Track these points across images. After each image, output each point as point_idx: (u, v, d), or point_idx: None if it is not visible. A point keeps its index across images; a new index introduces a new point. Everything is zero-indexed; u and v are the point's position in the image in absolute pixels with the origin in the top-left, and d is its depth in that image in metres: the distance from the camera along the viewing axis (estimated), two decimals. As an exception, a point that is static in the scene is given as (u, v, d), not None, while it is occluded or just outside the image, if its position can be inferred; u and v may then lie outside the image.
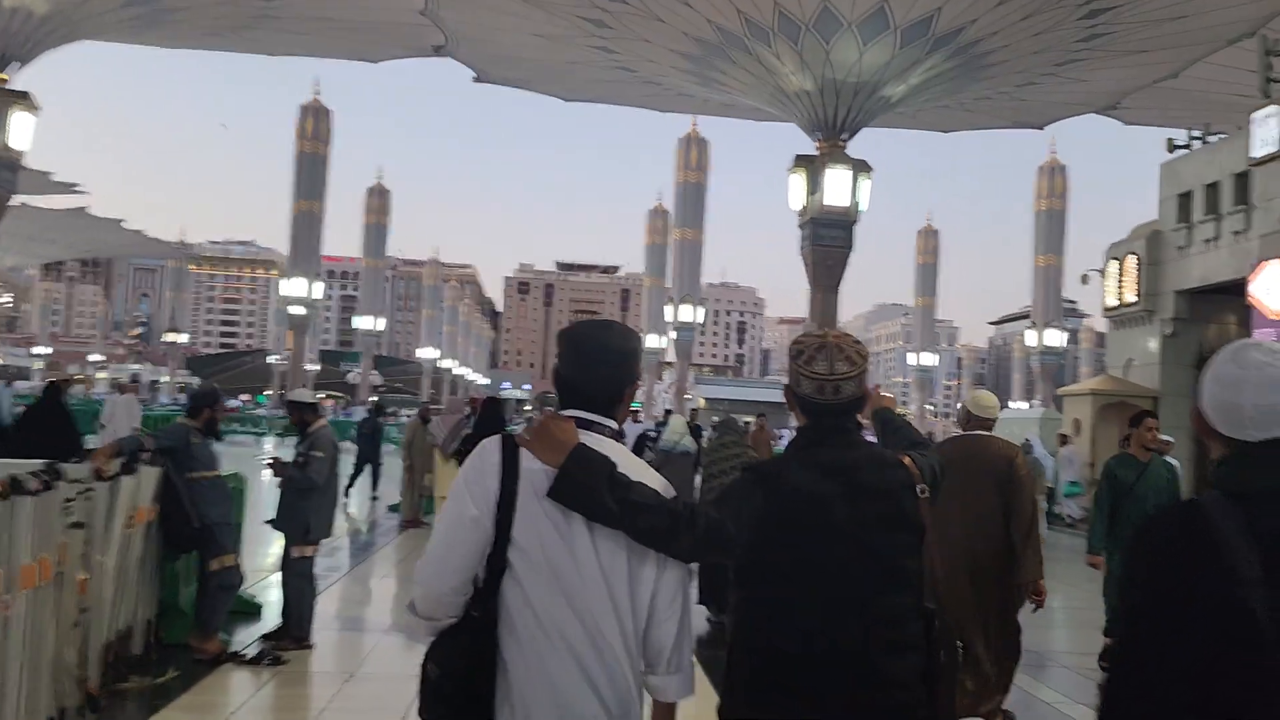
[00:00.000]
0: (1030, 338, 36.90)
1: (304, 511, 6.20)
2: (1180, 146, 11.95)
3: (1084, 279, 14.41)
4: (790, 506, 2.11)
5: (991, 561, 4.66)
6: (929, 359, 51.35)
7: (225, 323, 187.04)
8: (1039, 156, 36.85)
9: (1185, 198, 12.52)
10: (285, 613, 6.24)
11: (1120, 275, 13.28)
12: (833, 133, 16.92)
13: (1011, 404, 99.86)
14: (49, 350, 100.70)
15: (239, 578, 6.02)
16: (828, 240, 16.72)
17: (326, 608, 7.36)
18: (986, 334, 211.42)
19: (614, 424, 2.11)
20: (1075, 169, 37.04)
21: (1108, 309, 13.76)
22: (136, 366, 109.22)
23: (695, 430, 9.50)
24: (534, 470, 1.97)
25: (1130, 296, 13.02)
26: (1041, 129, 23.08)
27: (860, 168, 16.70)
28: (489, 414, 10.19)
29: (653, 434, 15.97)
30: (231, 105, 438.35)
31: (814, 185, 16.70)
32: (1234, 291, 11.58)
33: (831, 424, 2.22)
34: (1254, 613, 1.37)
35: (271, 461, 6.28)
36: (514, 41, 19.04)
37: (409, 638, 2.24)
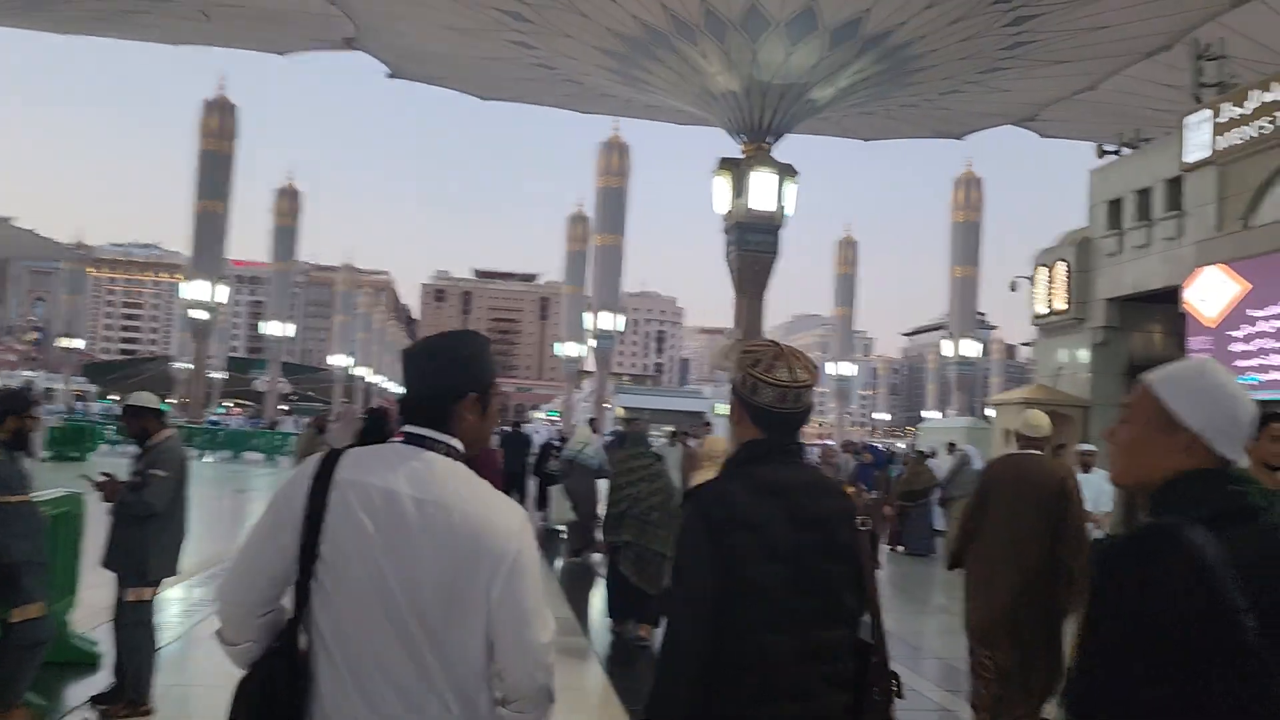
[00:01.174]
0: (946, 348, 37.32)
1: (140, 545, 5.01)
2: (1110, 152, 11.85)
3: (1012, 286, 14.30)
4: (733, 528, 2.03)
5: (1035, 579, 4.70)
6: (847, 369, 51.72)
7: (126, 328, 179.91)
8: (952, 167, 37.53)
9: (1115, 204, 12.40)
10: (119, 670, 5.11)
11: (1049, 283, 13.12)
12: (758, 135, 16.54)
13: (925, 414, 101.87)
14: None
15: (48, 632, 4.76)
16: (753, 245, 16.32)
17: (183, 656, 6.38)
18: (900, 344, 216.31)
19: (452, 441, 1.90)
20: (991, 181, 37.72)
21: (1037, 317, 13.61)
22: (30, 373, 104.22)
23: (628, 439, 8.94)
24: (357, 482, 1.79)
25: (1060, 304, 12.86)
26: (961, 139, 23.16)
27: (786, 171, 16.34)
28: (373, 426, 9.14)
29: (556, 443, 16.07)
30: (134, 99, 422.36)
31: (739, 189, 16.27)
32: (1166, 299, 11.48)
33: (782, 438, 2.16)
34: (1250, 642, 1.35)
35: (101, 480, 5.06)
36: (427, 35, 18.25)
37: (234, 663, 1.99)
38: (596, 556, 11.51)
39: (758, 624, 2.01)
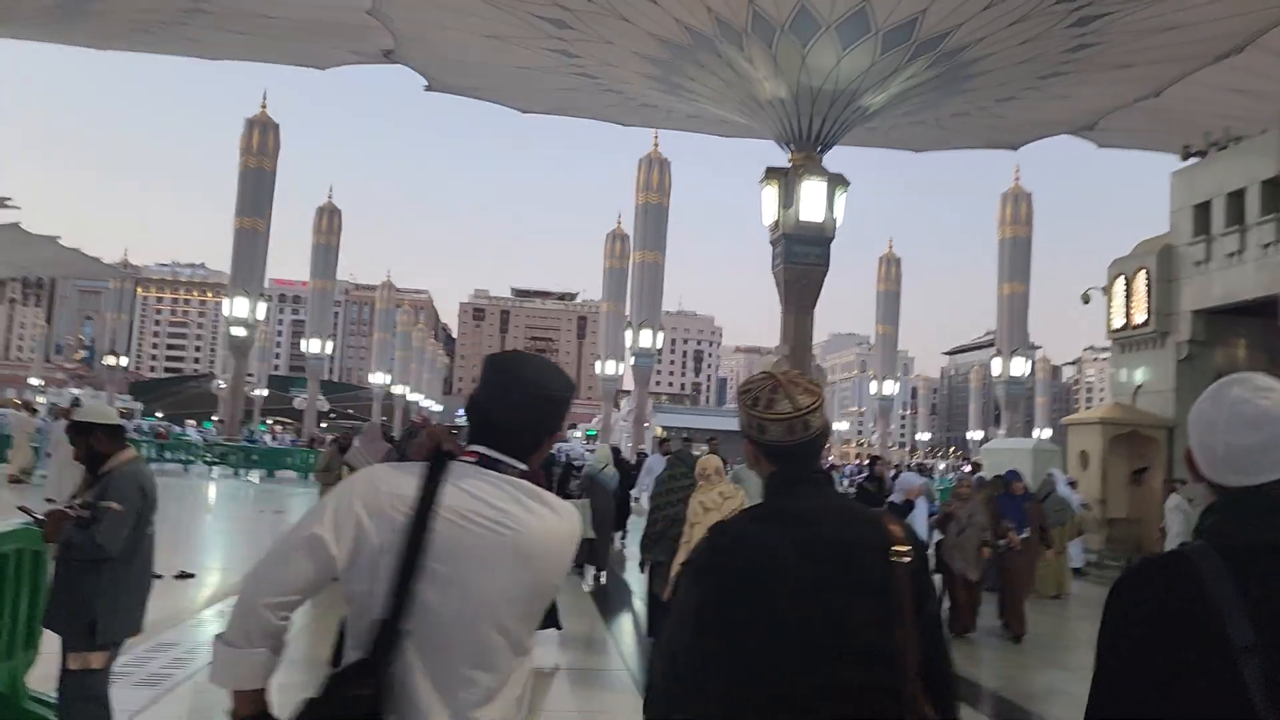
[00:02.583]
0: (995, 367, 36.27)
1: (89, 597, 4.05)
2: (1195, 154, 10.99)
3: (1085, 298, 13.46)
4: (751, 567, 1.95)
5: None
6: (890, 388, 50.65)
7: (172, 347, 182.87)
8: (992, 182, 36.61)
9: (1203, 209, 11.56)
10: None
11: (1128, 294, 12.26)
12: (807, 144, 15.91)
13: (969, 435, 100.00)
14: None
15: None
16: (802, 258, 15.65)
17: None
18: (939, 363, 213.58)
19: (523, 466, 1.95)
20: (1038, 195, 36.70)
21: (1114, 331, 12.74)
22: (77, 390, 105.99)
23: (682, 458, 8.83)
24: (460, 501, 1.81)
25: (1140, 317, 12.00)
26: (1016, 149, 22.38)
27: (836, 181, 15.68)
28: (429, 443, 8.67)
29: (576, 463, 16.78)
30: (182, 119, 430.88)
31: (787, 199, 15.64)
32: (1261, 311, 10.63)
33: (805, 470, 2.09)
34: (1246, 684, 1.33)
35: (46, 514, 4.17)
36: (466, 44, 17.88)
37: (214, 683, 1.82)
38: (591, 573, 11.77)
39: (767, 660, 1.91)
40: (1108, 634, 1.49)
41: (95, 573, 4.05)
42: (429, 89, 20.98)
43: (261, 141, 35.29)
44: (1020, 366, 35.67)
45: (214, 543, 15.60)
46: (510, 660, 1.82)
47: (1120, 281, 12.58)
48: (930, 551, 9.50)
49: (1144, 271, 12.00)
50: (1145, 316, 11.95)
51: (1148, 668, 1.39)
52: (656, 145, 37.67)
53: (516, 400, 1.92)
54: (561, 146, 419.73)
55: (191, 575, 10.08)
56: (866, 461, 13.91)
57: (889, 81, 15.25)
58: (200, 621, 8.51)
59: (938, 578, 7.21)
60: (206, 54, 21.87)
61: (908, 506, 9.98)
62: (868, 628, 1.93)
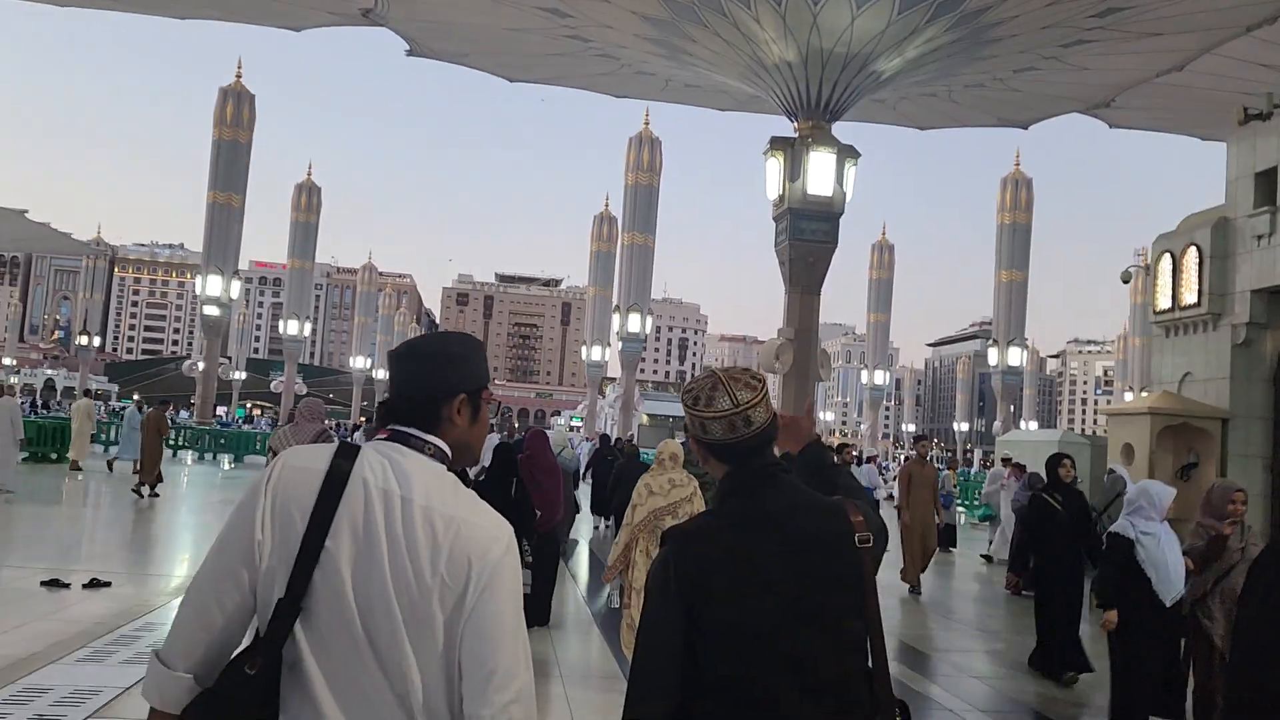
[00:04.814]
0: (992, 356, 35.45)
1: None
2: (1255, 116, 9.94)
3: (1125, 277, 12.51)
4: (717, 568, 1.93)
5: None
6: (881, 378, 49.85)
7: (150, 329, 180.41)
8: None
9: (1267, 176, 10.54)
10: None
11: (1176, 272, 11.24)
12: (815, 112, 14.88)
13: (956, 426, 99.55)
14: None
15: None
16: (809, 234, 14.65)
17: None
18: (924, 355, 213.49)
19: (438, 442, 1.82)
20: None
21: (1158, 312, 11.71)
22: (52, 371, 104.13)
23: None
24: (366, 481, 1.71)
25: (1189, 297, 10.97)
26: (1026, 128, 21.38)
27: (847, 152, 14.69)
28: (506, 459, 7.27)
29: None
30: (159, 92, 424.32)
31: (794, 171, 14.62)
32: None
33: (758, 466, 2.06)
34: None
35: None
36: (452, 2, 16.70)
37: (145, 698, 1.70)
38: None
39: (744, 659, 1.89)
40: (1249, 608, 1.74)
41: None
42: (411, 54, 19.78)
43: (236, 112, 33.98)
44: (1017, 356, 34.90)
45: (175, 533, 14.52)
46: (414, 656, 1.66)
47: (1166, 259, 11.55)
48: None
49: (1194, 248, 10.96)
50: (1195, 297, 10.95)
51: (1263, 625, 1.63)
52: (647, 124, 36.64)
53: (403, 369, 1.87)
54: (546, 129, 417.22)
55: (108, 584, 8.70)
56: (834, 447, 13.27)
57: (905, 45, 14.22)
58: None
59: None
60: (174, 12, 20.58)
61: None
62: (848, 617, 1.95)
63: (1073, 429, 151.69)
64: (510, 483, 7.11)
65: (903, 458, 57.29)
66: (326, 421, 9.10)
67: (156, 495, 17.12)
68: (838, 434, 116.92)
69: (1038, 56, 16.13)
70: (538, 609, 8.32)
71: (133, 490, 17.33)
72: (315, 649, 1.65)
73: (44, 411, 37.48)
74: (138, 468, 18.01)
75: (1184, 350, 11.03)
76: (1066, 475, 8.25)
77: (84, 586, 8.51)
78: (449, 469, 1.82)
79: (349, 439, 3.18)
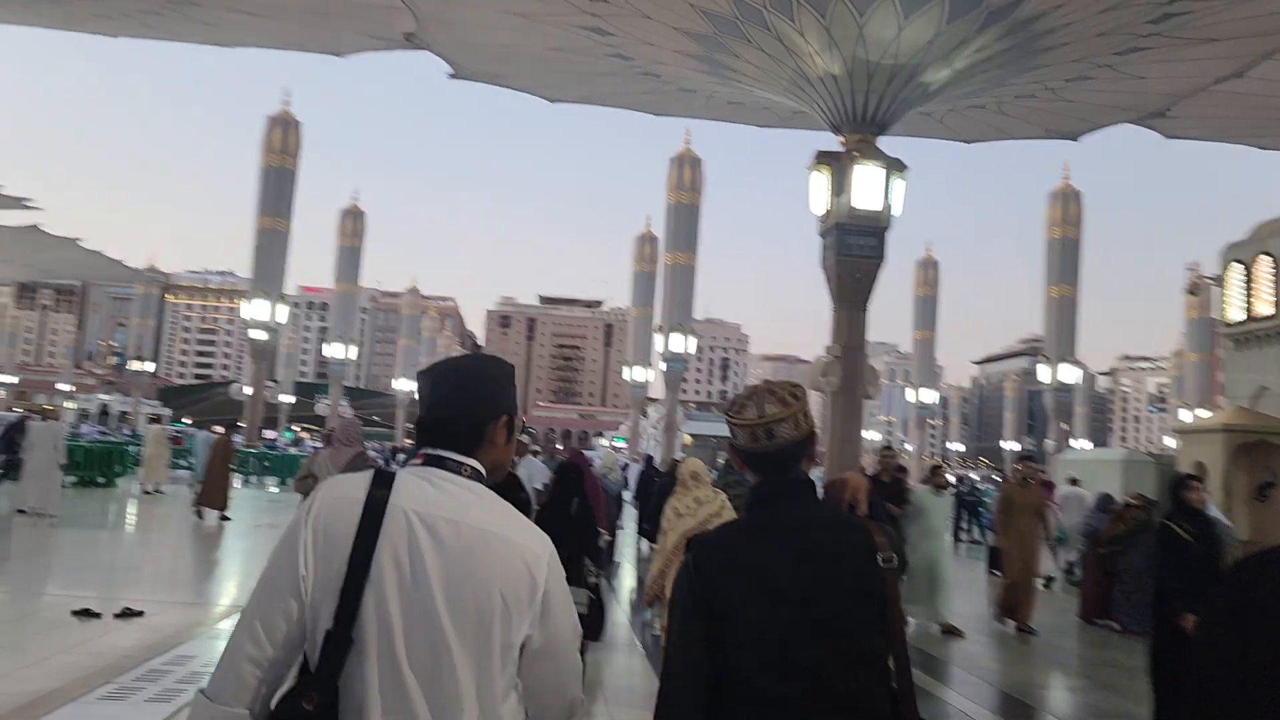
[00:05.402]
0: (1043, 374, 34.66)
1: None
2: (1331, 118, 9.47)
3: (1192, 289, 12.05)
4: (734, 576, 1.96)
5: None
6: (928, 396, 49.05)
7: (201, 354, 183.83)
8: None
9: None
10: None
11: (1248, 282, 10.77)
12: (861, 125, 14.60)
13: (1003, 444, 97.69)
14: (15, 380, 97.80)
15: None
16: (856, 250, 14.35)
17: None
18: (970, 373, 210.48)
19: (474, 463, 1.84)
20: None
21: (1230, 324, 11.26)
22: (107, 397, 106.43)
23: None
24: (407, 510, 1.70)
25: (1264, 309, 10.52)
26: (1076, 140, 20.86)
27: (894, 165, 14.38)
28: (567, 479, 7.15)
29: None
30: (212, 121, 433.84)
31: (839, 186, 14.34)
32: None
33: (779, 479, 2.11)
34: None
35: None
36: (493, 24, 16.70)
37: None
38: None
39: (758, 669, 1.91)
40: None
41: None
42: (453, 76, 19.84)
43: (283, 140, 34.46)
44: (1070, 373, 34.08)
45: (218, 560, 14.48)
46: (466, 682, 1.64)
47: (1236, 269, 11.08)
48: None
49: (1267, 257, 10.50)
50: (1272, 308, 10.46)
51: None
52: (688, 143, 36.54)
53: (443, 391, 1.87)
54: (588, 151, 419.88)
55: (140, 614, 8.42)
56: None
57: (954, 55, 13.91)
58: (218, 634, 7.80)
59: None
60: (221, 40, 20.86)
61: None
62: (866, 633, 1.95)
63: (1125, 446, 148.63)
64: (570, 501, 6.96)
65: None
66: (365, 445, 8.97)
67: (228, 519, 17.12)
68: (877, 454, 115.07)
69: (1091, 65, 15.71)
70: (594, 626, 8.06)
71: (193, 511, 17.48)
72: (367, 680, 1.63)
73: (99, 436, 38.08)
74: (197, 491, 18.20)
75: (1258, 363, 10.51)
76: (1197, 500, 6.82)
77: (115, 616, 8.30)
78: (492, 486, 1.85)
79: (390, 462, 3.11)
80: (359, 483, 1.75)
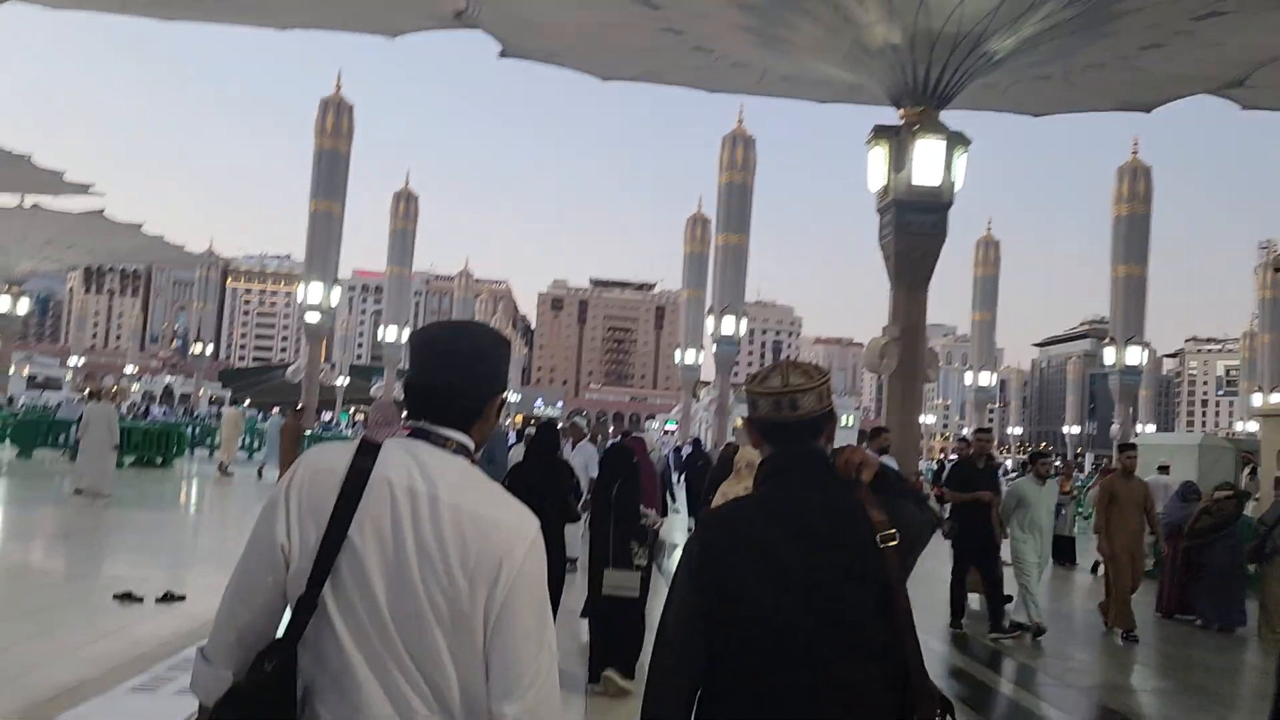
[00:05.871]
0: (1109, 356, 33.62)
1: None
2: None
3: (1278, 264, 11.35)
4: (739, 555, 1.95)
5: None
6: (987, 379, 48.00)
7: (260, 337, 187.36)
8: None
9: None
10: None
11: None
12: (922, 98, 14.08)
13: (1065, 430, 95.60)
14: (82, 362, 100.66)
15: None
16: (915, 227, 13.89)
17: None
18: (1029, 355, 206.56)
19: (463, 437, 1.82)
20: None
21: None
22: (170, 378, 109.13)
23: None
24: (379, 480, 1.71)
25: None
26: (1149, 111, 20.00)
27: (956, 139, 13.86)
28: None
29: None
30: (258, 103, 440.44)
31: (899, 161, 13.87)
32: None
33: (795, 451, 2.09)
34: None
35: None
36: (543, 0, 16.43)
37: (192, 692, 1.78)
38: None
39: (755, 651, 1.90)
40: None
41: None
42: (504, 55, 19.61)
43: (336, 123, 34.59)
44: (1136, 355, 33.02)
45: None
46: (447, 652, 1.66)
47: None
48: None
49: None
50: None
51: None
52: (741, 121, 35.99)
53: (434, 366, 1.83)
54: (639, 132, 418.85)
55: (182, 598, 8.32)
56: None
57: (1020, 22, 13.32)
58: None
59: None
60: (272, 22, 20.87)
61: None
62: (870, 619, 1.91)
63: (1190, 430, 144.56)
64: (612, 486, 6.78)
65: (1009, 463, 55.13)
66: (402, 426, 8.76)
67: None
68: (939, 438, 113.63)
69: (1167, 32, 14.97)
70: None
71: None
72: (352, 647, 1.66)
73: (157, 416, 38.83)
74: (261, 475, 18.52)
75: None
76: None
77: (157, 601, 8.16)
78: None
79: None
80: (342, 452, 1.76)
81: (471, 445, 1.82)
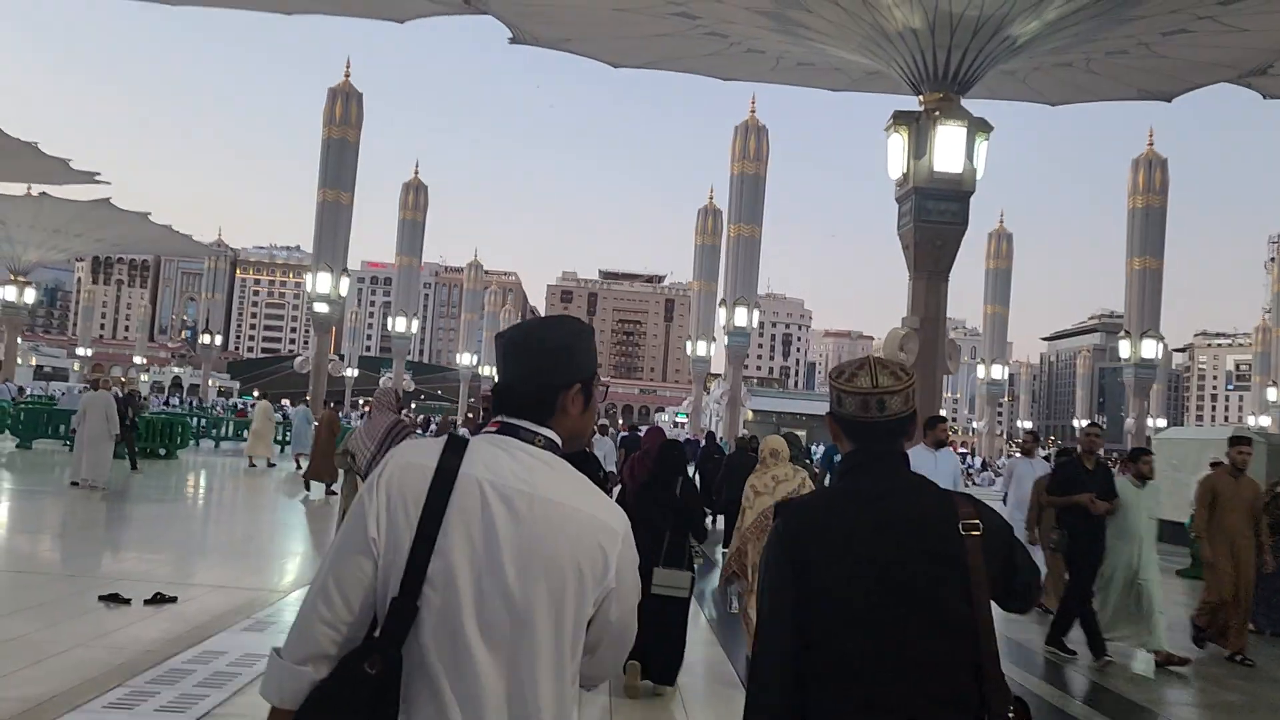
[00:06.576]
0: (1124, 349, 33.29)
1: None
2: None
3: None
4: (816, 539, 2.00)
5: None
6: (999, 372, 47.69)
7: (269, 328, 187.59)
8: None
9: None
10: None
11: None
12: (943, 83, 13.80)
13: (1075, 423, 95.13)
14: (89, 352, 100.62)
15: None
16: (936, 215, 13.62)
17: None
18: (1039, 349, 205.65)
19: (548, 433, 1.80)
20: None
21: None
22: (178, 369, 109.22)
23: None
24: (468, 477, 1.69)
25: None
26: (1170, 100, 19.70)
27: (978, 125, 13.58)
28: (669, 458, 6.49)
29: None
30: (267, 92, 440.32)
31: (919, 148, 13.60)
32: None
33: (879, 449, 2.10)
34: None
35: None
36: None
37: (263, 696, 1.68)
38: None
39: (838, 631, 1.93)
40: None
41: None
42: (513, 41, 19.38)
43: (344, 111, 34.31)
44: (1151, 349, 32.68)
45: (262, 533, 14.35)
46: (544, 655, 1.65)
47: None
48: None
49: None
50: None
51: None
52: (754, 111, 35.65)
53: (515, 359, 1.84)
54: (649, 122, 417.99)
55: (173, 599, 7.70)
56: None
57: (1043, 5, 13.03)
58: (252, 625, 7.27)
59: None
60: (280, 7, 20.66)
61: None
62: (949, 597, 1.93)
63: (1200, 424, 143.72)
64: (676, 482, 6.40)
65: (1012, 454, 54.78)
66: (403, 413, 8.58)
67: (334, 493, 16.80)
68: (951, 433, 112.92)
69: (1191, 16, 14.67)
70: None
71: (303, 484, 18.10)
72: (438, 649, 1.63)
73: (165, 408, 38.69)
74: (300, 465, 18.53)
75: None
76: None
77: (145, 603, 7.53)
78: (565, 456, 1.82)
79: (425, 432, 2.73)
80: (431, 449, 1.74)
81: (558, 440, 1.81)
